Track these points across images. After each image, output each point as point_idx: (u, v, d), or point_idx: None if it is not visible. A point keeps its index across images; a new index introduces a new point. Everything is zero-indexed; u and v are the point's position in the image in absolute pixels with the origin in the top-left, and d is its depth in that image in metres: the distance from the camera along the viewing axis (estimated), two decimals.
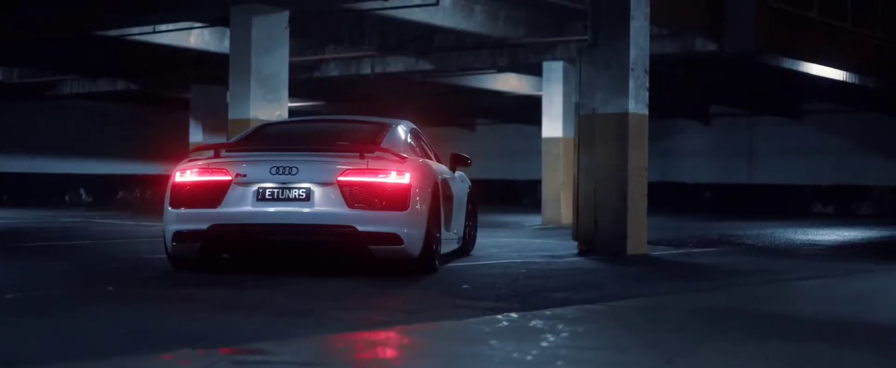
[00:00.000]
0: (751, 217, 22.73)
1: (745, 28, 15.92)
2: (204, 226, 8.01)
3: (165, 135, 26.66)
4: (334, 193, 7.89)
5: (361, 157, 8.02)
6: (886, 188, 26.33)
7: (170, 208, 8.15)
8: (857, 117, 26.40)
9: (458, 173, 10.33)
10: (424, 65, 18.90)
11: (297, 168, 7.96)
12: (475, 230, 10.97)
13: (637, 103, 11.03)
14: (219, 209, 7.98)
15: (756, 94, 25.35)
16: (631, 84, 10.95)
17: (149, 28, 16.31)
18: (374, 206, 7.88)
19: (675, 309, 6.67)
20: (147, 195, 28.75)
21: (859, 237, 15.54)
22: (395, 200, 7.90)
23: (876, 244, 14.02)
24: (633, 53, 10.95)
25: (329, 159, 8.09)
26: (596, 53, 11.15)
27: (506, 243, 12.67)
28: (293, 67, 20.50)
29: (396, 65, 19.27)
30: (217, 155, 8.28)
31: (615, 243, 10.92)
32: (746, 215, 24.41)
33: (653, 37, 16.77)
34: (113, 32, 16.59)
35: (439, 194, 8.63)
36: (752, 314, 6.41)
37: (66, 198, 27.95)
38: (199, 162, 8.23)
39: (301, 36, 18.11)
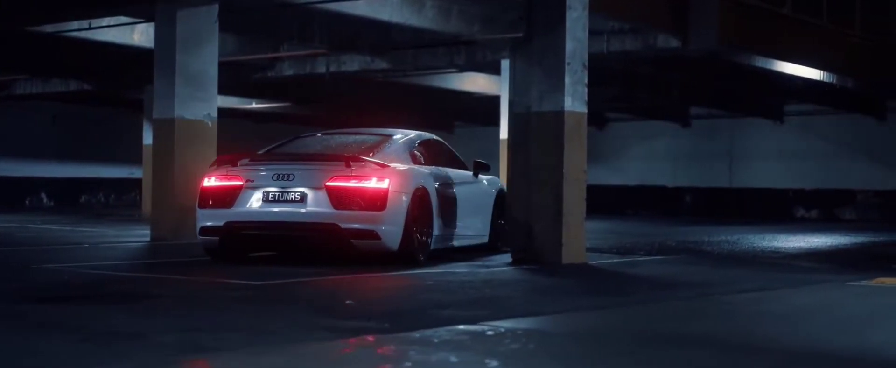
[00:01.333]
0: (729, 222, 21.93)
1: (709, 24, 15.13)
2: (221, 223, 9.60)
3: (126, 137, 25.92)
4: (323, 196, 9.32)
5: (347, 165, 9.37)
6: (870, 192, 25.49)
7: (198, 208, 9.86)
8: (840, 119, 25.57)
9: (485, 177, 11.81)
10: (380, 64, 18.09)
11: (294, 175, 9.43)
12: (502, 227, 11.67)
13: (575, 101, 10.23)
14: (232, 209, 9.57)
15: (734, 94, 24.53)
16: (567, 80, 10.14)
17: (85, 24, 15.53)
18: (355, 206, 9.28)
19: (566, 331, 5.88)
20: (111, 200, 27.97)
21: (829, 243, 14.73)
22: (373, 201, 9.29)
23: (843, 251, 13.21)
24: (569, 45, 10.15)
25: (320, 167, 9.49)
26: (530, 47, 10.36)
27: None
28: (247, 66, 19.85)
29: (351, 64, 18.47)
30: (234, 164, 9.78)
31: (550, 251, 10.12)
32: (725, 220, 23.60)
33: (614, 33, 16.10)
34: (49, 28, 15.79)
35: (428, 197, 9.89)
36: (654, 335, 5.61)
37: (27, 202, 27.14)
38: (220, 170, 9.81)
39: (251, 33, 17.38)
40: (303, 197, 9.36)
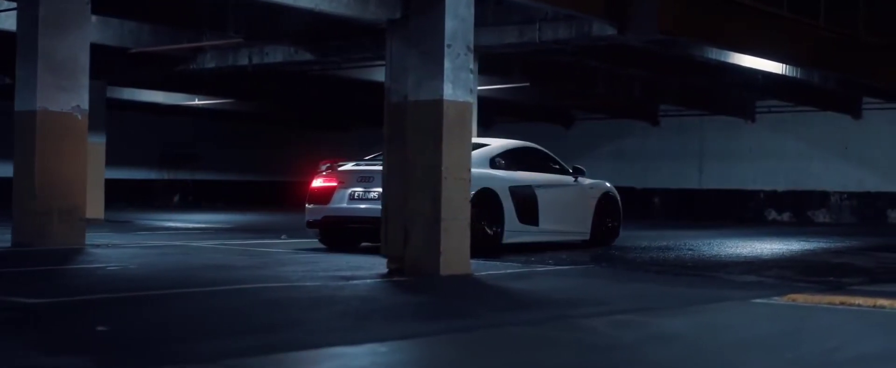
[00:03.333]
0: (694, 226, 20.58)
1: (649, 11, 13.79)
2: (319, 217, 11.72)
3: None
4: None
5: None
6: (844, 194, 24.17)
7: (307, 204, 11.91)
8: (814, 117, 24.27)
9: (587, 181, 13.28)
10: (304, 55, 16.77)
11: (374, 178, 11.20)
12: (613, 226, 13.48)
13: (456, 88, 8.91)
14: (328, 206, 11.61)
15: (701, 91, 23.21)
16: (447, 64, 8.83)
17: None
18: None
19: None
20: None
21: (782, 250, 13.40)
22: None
23: (790, 260, 11.88)
24: (450, 25, 8.84)
25: None
26: (407, 28, 9.05)
27: (327, 258, 10.54)
28: (166, 58, 18.54)
29: (275, 55, 17.15)
30: (332, 168, 11.82)
31: (427, 260, 8.81)
32: (692, 223, 22.26)
33: (546, 21, 14.77)
34: None
35: (495, 197, 11.32)
36: None
37: None
38: (324, 173, 11.84)
39: (153, 20, 16.10)
40: (379, 196, 10.73)
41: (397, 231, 9.03)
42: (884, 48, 18.20)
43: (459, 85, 8.90)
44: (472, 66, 9.03)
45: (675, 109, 25.61)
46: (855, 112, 23.83)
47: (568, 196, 12.76)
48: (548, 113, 27.01)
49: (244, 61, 17.47)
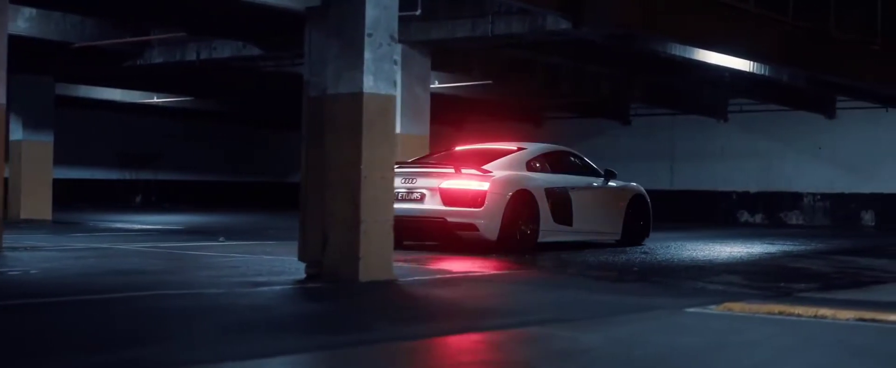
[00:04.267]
0: (664, 228, 19.96)
1: (604, 4, 13.19)
2: None
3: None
4: (436, 196, 11.68)
5: (457, 172, 11.77)
6: (817, 195, 23.65)
7: None
8: (787, 117, 23.76)
9: (618, 183, 13.96)
10: (252, 50, 16.17)
11: (416, 179, 11.86)
12: (643, 226, 14.17)
13: (378, 81, 8.31)
14: None
15: (670, 89, 22.66)
16: (368, 55, 8.23)
17: None
18: (459, 204, 11.58)
19: None
20: None
21: (738, 254, 12.82)
22: (474, 200, 11.56)
23: (743, 264, 11.32)
24: (371, 13, 8.23)
25: (436, 173, 11.92)
26: (327, 16, 8.44)
27: (251, 262, 9.93)
28: (114, 53, 17.90)
29: (223, 50, 16.56)
30: None
31: (345, 266, 8.20)
32: (662, 225, 21.64)
33: (500, 14, 14.19)
34: None
35: (531, 198, 11.97)
36: None
37: None
38: None
39: (101, 13, 15.52)
40: (422, 197, 11.74)
41: (315, 235, 8.41)
42: (855, 44, 17.65)
43: (382, 77, 8.30)
44: (396, 57, 8.43)
45: (647, 108, 25.06)
46: (828, 112, 23.31)
47: (600, 197, 13.42)
48: (517, 112, 26.43)
49: (192, 56, 16.88)
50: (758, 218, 24.39)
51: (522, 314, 6.55)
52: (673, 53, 15.93)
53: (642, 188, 14.45)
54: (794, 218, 23.90)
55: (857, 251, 13.97)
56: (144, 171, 29.78)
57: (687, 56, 16.20)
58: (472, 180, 11.66)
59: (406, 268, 9.19)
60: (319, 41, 8.48)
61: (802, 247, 14.46)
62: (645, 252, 12.49)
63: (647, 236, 14.27)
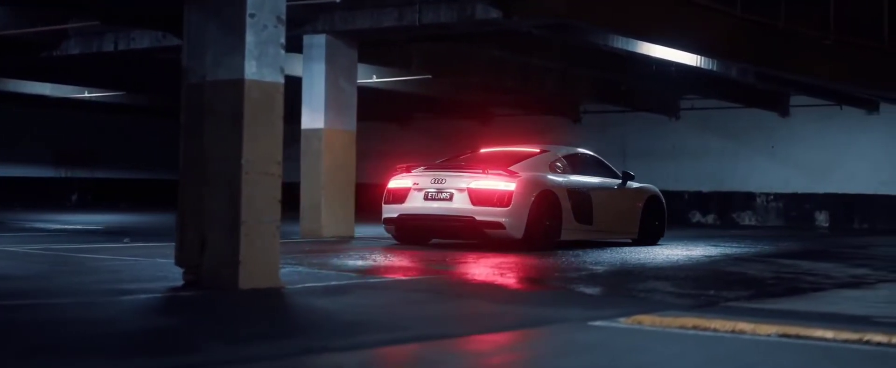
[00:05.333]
0: None
1: None
2: (395, 215, 12.68)
3: None
4: (465, 196, 12.11)
5: (484, 173, 12.19)
6: (771, 195, 23.02)
7: (383, 204, 12.79)
8: (739, 115, 23.11)
9: (635, 184, 14.38)
10: (172, 40, 15.27)
11: (445, 180, 12.32)
12: (659, 226, 14.55)
13: (262, 66, 7.48)
14: (403, 205, 12.56)
15: (618, 85, 21.93)
16: (250, 38, 7.40)
17: None
18: (487, 204, 11.97)
19: None
20: None
21: (675, 257, 12.05)
22: (501, 200, 11.94)
23: (676, 269, 10.57)
24: None
25: (464, 174, 12.34)
26: None
27: (136, 267, 9.08)
28: (29, 44, 16.95)
29: (142, 40, 15.66)
30: (408, 171, 12.78)
31: (224, 272, 7.37)
32: None
33: (427, 2, 13.39)
34: None
35: (555, 198, 12.40)
36: None
37: None
38: (399, 175, 12.80)
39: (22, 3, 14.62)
40: (451, 196, 12.18)
41: (193, 236, 7.57)
42: (807, 39, 17.00)
43: (266, 62, 7.48)
44: (282, 40, 7.61)
45: (597, 105, 24.35)
46: (782, 110, 22.70)
47: (619, 198, 13.90)
48: (464, 109, 25.65)
49: (109, 47, 15.99)
50: (710, 219, 23.75)
51: (398, 328, 5.74)
52: (614, 45, 15.21)
53: (658, 190, 14.77)
54: (748, 219, 23.27)
55: (803, 254, 13.29)
56: (80, 169, 28.72)
57: (630, 49, 15.50)
58: (500, 180, 12.04)
59: (328, 274, 8.37)
60: (198, 24, 7.64)
61: (747, 250, 13.76)
62: (574, 256, 11.72)
63: (662, 235, 14.66)
